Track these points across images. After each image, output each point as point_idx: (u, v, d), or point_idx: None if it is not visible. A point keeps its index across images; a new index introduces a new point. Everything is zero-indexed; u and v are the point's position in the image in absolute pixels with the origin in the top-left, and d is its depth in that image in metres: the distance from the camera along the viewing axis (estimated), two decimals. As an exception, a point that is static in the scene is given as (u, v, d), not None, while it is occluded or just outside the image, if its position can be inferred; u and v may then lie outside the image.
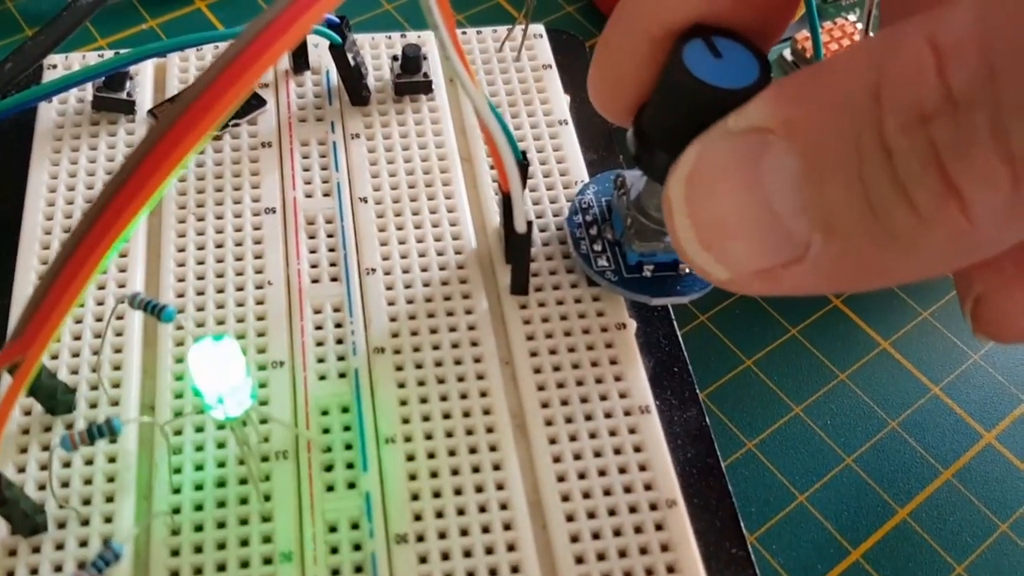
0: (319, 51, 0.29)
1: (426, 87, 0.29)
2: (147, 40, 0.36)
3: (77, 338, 0.24)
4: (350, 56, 0.28)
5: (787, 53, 0.33)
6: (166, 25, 0.36)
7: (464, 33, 0.31)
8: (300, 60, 0.29)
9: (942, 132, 0.12)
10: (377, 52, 0.30)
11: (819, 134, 0.13)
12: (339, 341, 0.24)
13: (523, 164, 0.24)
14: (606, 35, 0.19)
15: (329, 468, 0.22)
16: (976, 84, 0.12)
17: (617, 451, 0.22)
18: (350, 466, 0.22)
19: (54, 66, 0.29)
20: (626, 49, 0.19)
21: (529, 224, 0.23)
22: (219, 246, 0.25)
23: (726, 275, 0.15)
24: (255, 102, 0.28)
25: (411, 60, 0.28)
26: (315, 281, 0.25)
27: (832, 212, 0.13)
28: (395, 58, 0.29)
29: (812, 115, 0.13)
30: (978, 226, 0.12)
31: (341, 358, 0.24)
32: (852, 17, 0.34)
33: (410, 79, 0.28)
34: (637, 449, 0.22)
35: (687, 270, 0.24)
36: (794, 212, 0.13)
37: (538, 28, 0.31)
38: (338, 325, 0.24)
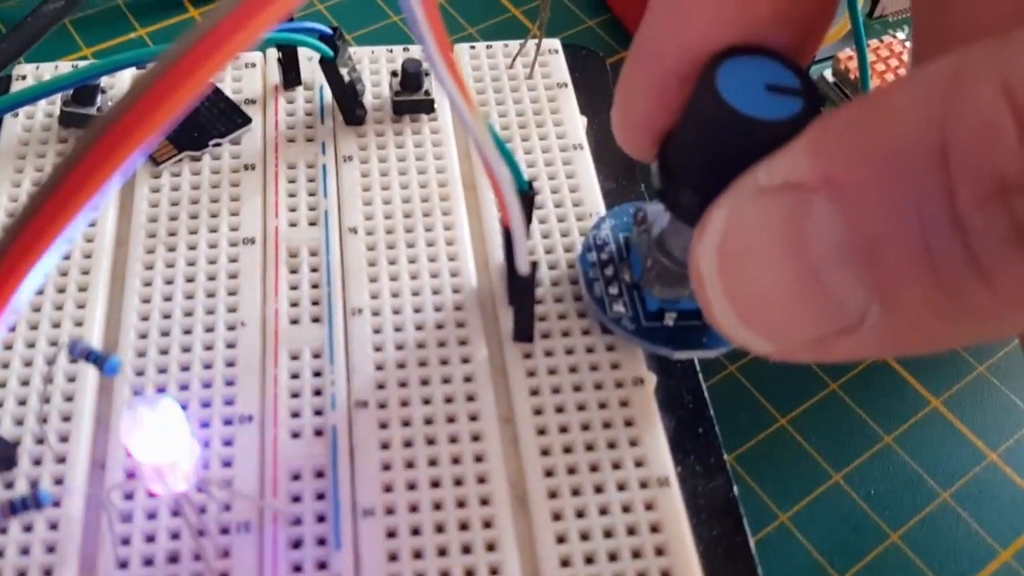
0: (312, 64, 0.27)
1: (427, 106, 0.26)
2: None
3: (25, 383, 0.21)
4: (344, 71, 0.25)
5: (828, 74, 0.30)
6: (157, 34, 0.34)
7: (473, 48, 0.28)
8: (291, 74, 0.26)
9: None
10: (377, 67, 0.27)
11: (871, 198, 0.11)
12: (317, 393, 0.21)
13: (528, 195, 0.21)
14: (627, 69, 0.17)
15: (297, 544, 0.19)
16: None
17: (631, 531, 0.19)
18: (321, 542, 0.19)
19: (24, 77, 0.27)
20: (649, 84, 0.16)
21: (534, 265, 0.20)
22: (189, 280, 0.23)
23: (771, 348, 0.13)
24: (239, 119, 0.26)
25: (411, 76, 0.26)
26: (294, 322, 0.22)
27: (892, 285, 0.11)
28: (394, 74, 0.26)
29: (860, 175, 0.11)
30: None
31: (318, 413, 0.21)
32: (901, 35, 0.31)
33: (410, 97, 0.26)
34: (654, 529, 0.20)
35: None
36: (846, 283, 0.12)
37: (554, 43, 0.28)
38: (317, 374, 0.21)
